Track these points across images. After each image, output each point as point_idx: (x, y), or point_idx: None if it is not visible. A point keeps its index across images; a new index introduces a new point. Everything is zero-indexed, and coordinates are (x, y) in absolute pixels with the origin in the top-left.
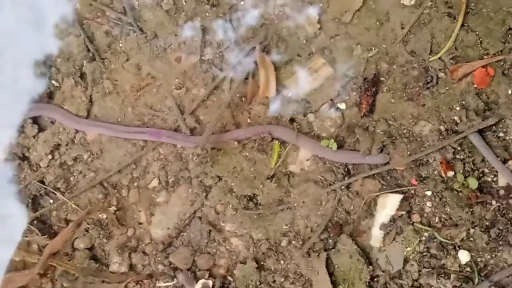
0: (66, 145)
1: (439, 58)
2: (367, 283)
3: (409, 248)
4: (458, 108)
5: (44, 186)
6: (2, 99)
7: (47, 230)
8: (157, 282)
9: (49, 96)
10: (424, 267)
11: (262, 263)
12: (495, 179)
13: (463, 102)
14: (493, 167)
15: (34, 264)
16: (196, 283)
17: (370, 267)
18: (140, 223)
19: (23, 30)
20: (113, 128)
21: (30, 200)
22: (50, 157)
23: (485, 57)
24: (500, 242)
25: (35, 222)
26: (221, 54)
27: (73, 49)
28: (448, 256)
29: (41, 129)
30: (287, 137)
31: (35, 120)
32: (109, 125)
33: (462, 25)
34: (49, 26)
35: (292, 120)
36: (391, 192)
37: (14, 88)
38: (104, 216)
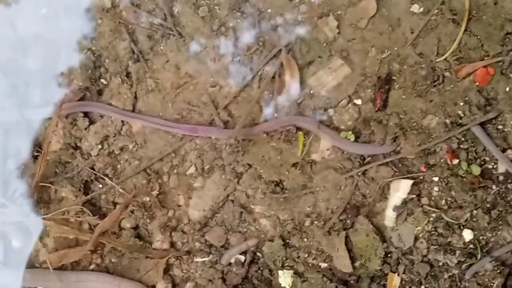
0: (114, 136)
1: (445, 59)
2: (382, 258)
3: (419, 228)
4: (461, 104)
5: (94, 173)
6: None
7: (97, 212)
8: (194, 257)
9: (99, 93)
10: (432, 244)
11: (287, 240)
12: (495, 166)
13: (466, 98)
14: (493, 156)
15: (86, 242)
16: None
17: (385, 244)
18: (179, 206)
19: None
20: (158, 122)
21: (82, 185)
22: (99, 146)
23: (485, 58)
24: (500, 222)
25: (87, 204)
26: (251, 56)
27: (120, 51)
28: (453, 235)
29: (91, 122)
30: (310, 127)
31: (86, 114)
32: (153, 118)
33: (465, 30)
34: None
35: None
36: (403, 178)
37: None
38: (148, 199)
